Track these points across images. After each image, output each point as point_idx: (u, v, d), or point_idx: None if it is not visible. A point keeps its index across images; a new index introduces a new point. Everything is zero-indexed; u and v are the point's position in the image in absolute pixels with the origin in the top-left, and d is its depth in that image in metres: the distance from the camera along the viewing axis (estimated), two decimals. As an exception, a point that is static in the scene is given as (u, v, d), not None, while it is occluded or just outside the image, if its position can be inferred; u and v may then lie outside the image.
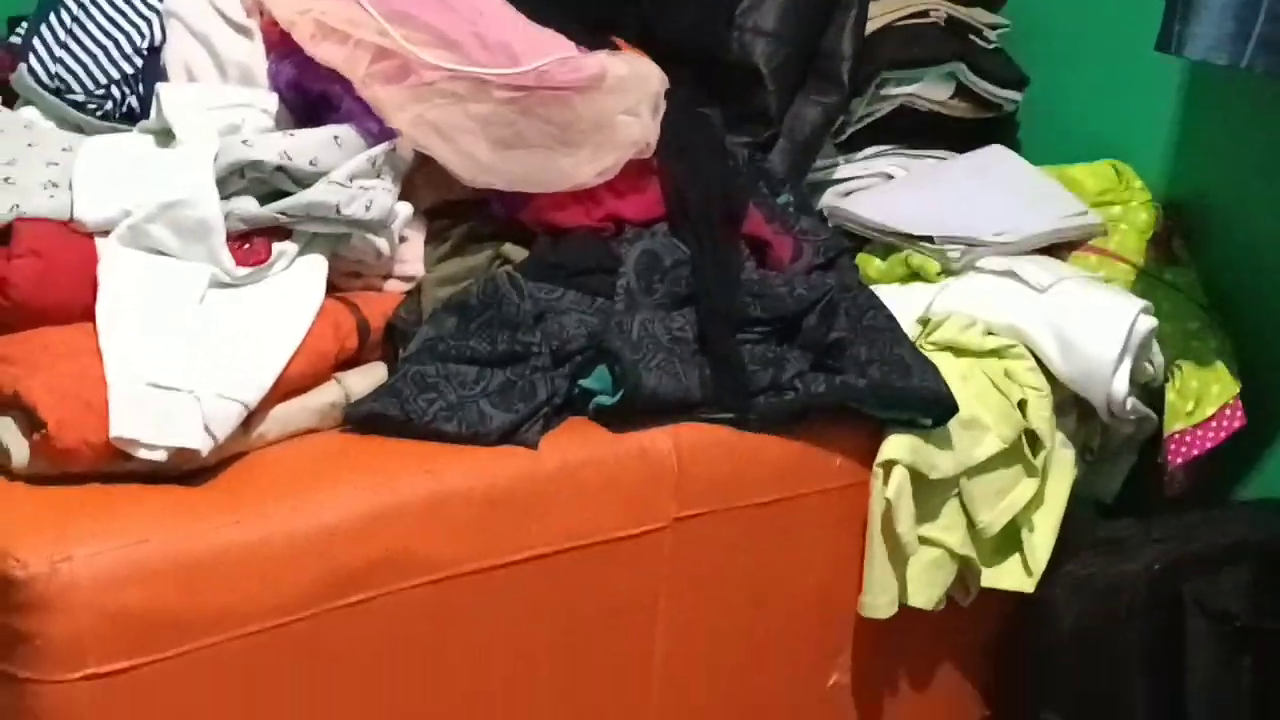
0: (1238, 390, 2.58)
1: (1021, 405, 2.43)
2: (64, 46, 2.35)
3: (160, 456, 1.92)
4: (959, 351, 2.46)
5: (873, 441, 2.32)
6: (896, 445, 2.30)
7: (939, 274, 2.59)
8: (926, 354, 2.39)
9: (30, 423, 1.91)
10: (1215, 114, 2.76)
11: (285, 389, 2.06)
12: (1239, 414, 2.57)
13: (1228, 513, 2.65)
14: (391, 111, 2.22)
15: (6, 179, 2.13)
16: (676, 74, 2.49)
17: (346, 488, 2.00)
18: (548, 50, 2.32)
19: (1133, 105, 2.85)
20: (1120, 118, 2.88)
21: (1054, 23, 2.95)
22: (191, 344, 2.02)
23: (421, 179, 2.31)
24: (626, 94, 2.35)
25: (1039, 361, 2.47)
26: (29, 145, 2.22)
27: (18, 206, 2.09)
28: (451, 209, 2.35)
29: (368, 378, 2.16)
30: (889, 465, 2.30)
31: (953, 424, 2.34)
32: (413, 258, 2.30)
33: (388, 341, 2.21)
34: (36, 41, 2.35)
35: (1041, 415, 2.43)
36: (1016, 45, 2.96)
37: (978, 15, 2.93)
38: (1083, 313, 2.48)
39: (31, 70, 2.33)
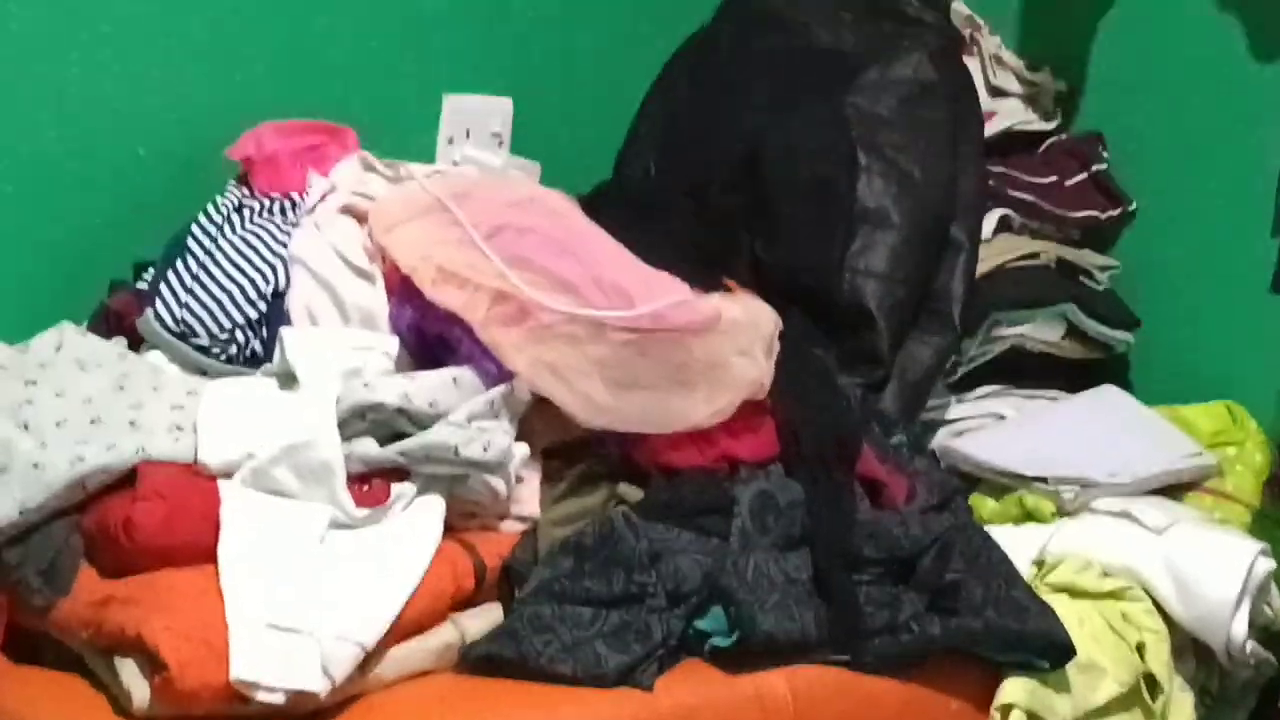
0: (1357, 632, 2.54)
1: (1139, 648, 2.39)
2: (190, 292, 2.39)
3: (279, 699, 1.92)
4: (1075, 593, 2.44)
5: (989, 685, 2.28)
6: (1014, 689, 2.27)
7: (1053, 515, 2.58)
8: (1042, 596, 2.36)
9: (152, 664, 1.92)
10: (1328, 354, 2.75)
11: (402, 630, 2.06)
12: (1359, 655, 2.53)
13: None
14: (510, 353, 2.25)
15: (132, 422, 2.17)
16: (788, 314, 2.51)
17: (463, 730, 1.99)
18: (663, 292, 2.35)
19: (1246, 346, 2.84)
20: (1233, 358, 2.86)
21: (1165, 264, 2.95)
22: (311, 585, 2.04)
23: (538, 420, 2.33)
24: (740, 335, 2.37)
25: (1156, 604, 2.44)
26: (154, 389, 2.25)
27: (143, 449, 2.12)
28: (567, 450, 2.36)
29: (484, 619, 2.16)
30: (1007, 709, 2.26)
31: (1070, 668, 2.30)
32: (529, 498, 2.31)
33: (504, 582, 2.22)
34: (163, 287, 2.40)
35: (1160, 659, 2.39)
36: (1128, 286, 2.96)
37: (1088, 257, 2.95)
38: (1200, 555, 2.45)
39: (158, 315, 2.36)
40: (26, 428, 2.14)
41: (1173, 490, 2.67)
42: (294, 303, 2.40)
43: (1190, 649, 2.47)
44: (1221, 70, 2.86)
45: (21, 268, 2.58)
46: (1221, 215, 2.87)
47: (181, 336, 2.36)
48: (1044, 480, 2.58)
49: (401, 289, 2.37)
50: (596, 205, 2.71)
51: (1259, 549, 2.43)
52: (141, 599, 1.99)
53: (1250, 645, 2.43)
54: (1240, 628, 2.41)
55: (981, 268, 2.82)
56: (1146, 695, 2.39)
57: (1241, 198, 2.79)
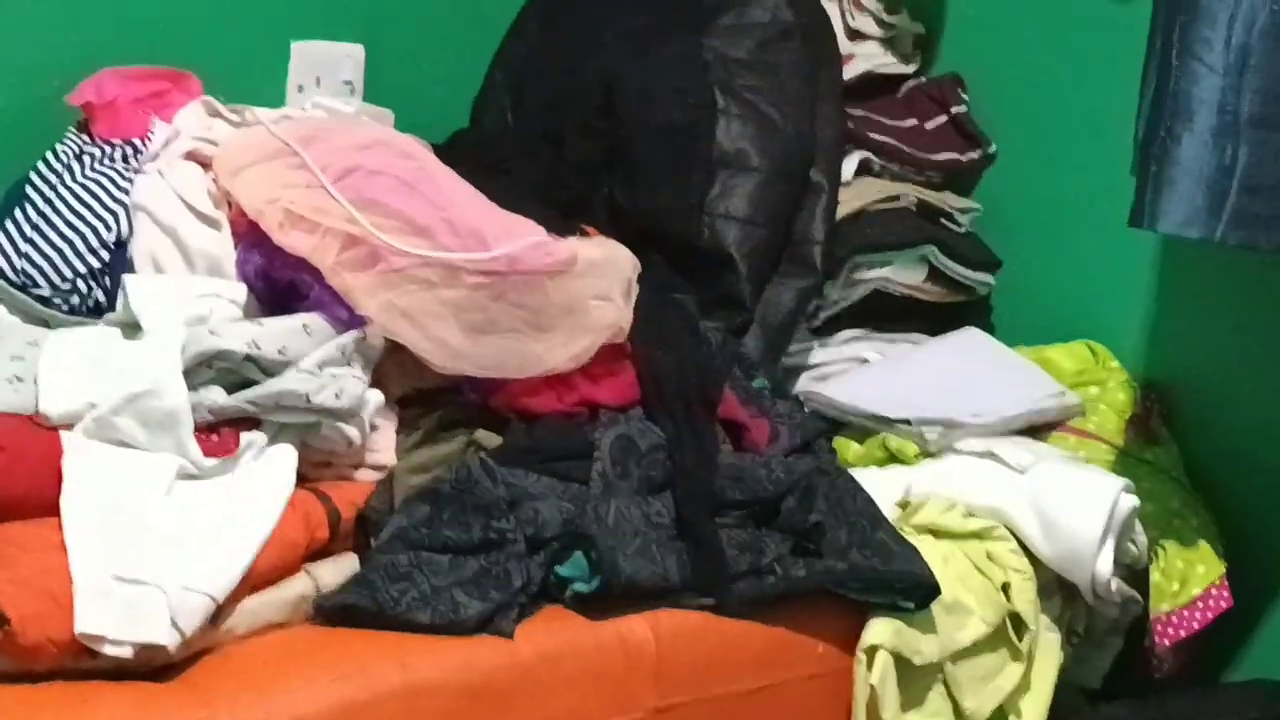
0: (1223, 570, 2.55)
1: (1005, 588, 2.39)
2: (29, 241, 2.34)
3: (126, 653, 1.88)
4: (940, 534, 2.43)
5: (855, 626, 2.28)
6: (879, 630, 2.26)
7: (917, 456, 2.58)
8: (907, 537, 2.36)
9: (-7, 619, 1.87)
10: (1190, 290, 2.75)
11: (255, 581, 2.02)
12: (1225, 594, 2.54)
13: (1220, 694, 2.60)
14: (361, 298, 2.21)
15: (-30, 374, 2.11)
16: (648, 258, 2.49)
17: (319, 682, 1.96)
18: (519, 235, 2.31)
19: (1106, 285, 2.85)
20: (1094, 297, 2.87)
21: (1024, 204, 2.96)
22: (158, 537, 1.99)
23: (392, 366, 2.30)
24: (599, 278, 2.34)
25: (1021, 543, 2.44)
26: (-7, 340, 2.20)
27: (-19, 401, 2.07)
28: (423, 397, 2.33)
29: (339, 568, 2.12)
30: (872, 651, 2.26)
31: (935, 608, 2.31)
32: (384, 446, 2.27)
33: (359, 531, 2.18)
34: (1, 237, 2.35)
35: (1025, 598, 2.39)
36: (988, 227, 2.97)
37: (948, 199, 2.95)
38: (1064, 493, 2.45)
39: (-4, 266, 2.31)
40: None
41: (1036, 430, 2.68)
42: (137, 250, 2.35)
43: (1056, 588, 2.48)
44: (1078, 9, 2.87)
45: None
46: (1080, 155, 2.89)
47: (22, 288, 2.31)
48: (907, 422, 2.58)
49: (249, 234, 2.32)
50: (452, 152, 2.68)
51: (1122, 485, 2.44)
52: (-20, 553, 1.94)
53: (1115, 583, 2.44)
54: (1105, 565, 2.41)
55: (842, 210, 2.81)
56: (1013, 635, 2.40)
57: (1099, 137, 2.80)
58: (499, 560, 2.12)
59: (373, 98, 2.89)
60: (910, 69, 3.09)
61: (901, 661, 2.28)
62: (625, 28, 2.90)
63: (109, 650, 1.87)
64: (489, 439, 2.28)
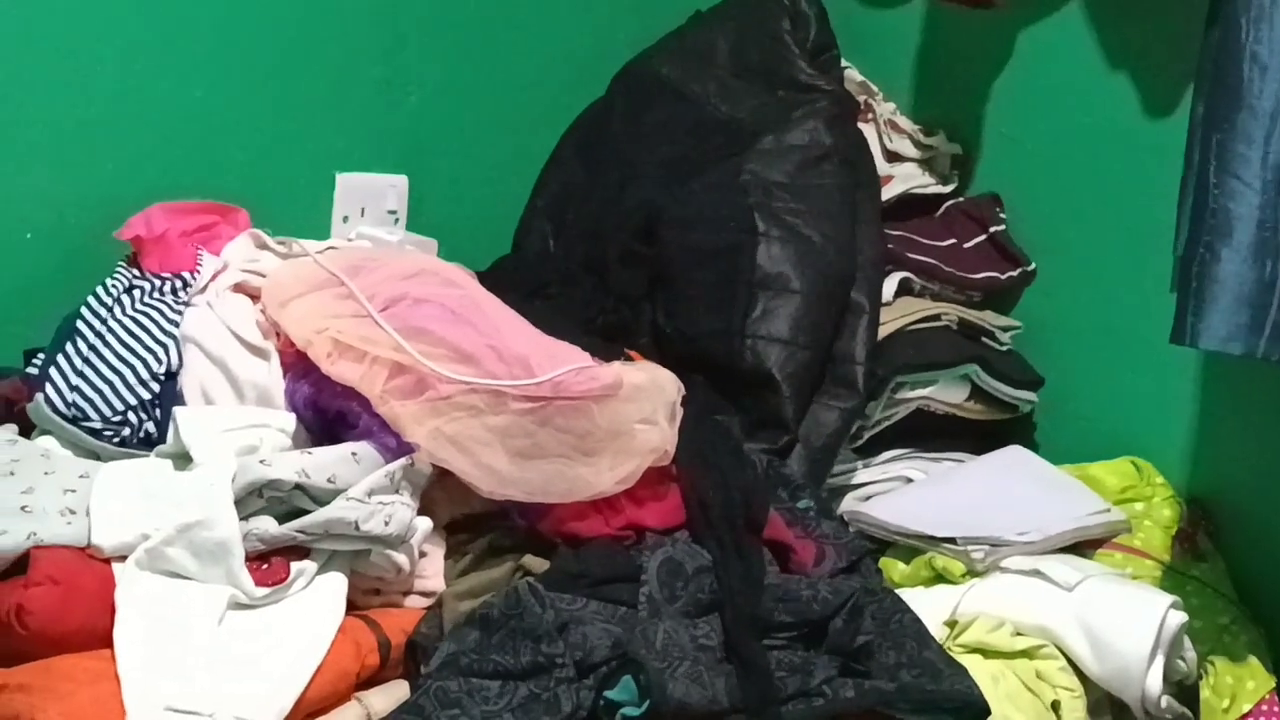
0: (1273, 684, 2.54)
1: (1055, 706, 2.38)
2: (80, 375, 2.36)
3: (180, 783, 1.88)
4: (988, 653, 2.43)
5: (904, 747, 2.27)
6: (930, 750, 2.26)
7: (964, 575, 2.57)
8: (955, 656, 2.35)
9: (47, 753, 1.88)
10: (1233, 406, 2.76)
11: (306, 710, 2.02)
12: (1276, 709, 2.53)
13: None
14: (409, 426, 2.23)
15: (24, 507, 2.12)
16: (691, 381, 2.50)
17: (370, 813, 1.96)
18: (563, 361, 2.33)
19: (1149, 401, 2.85)
20: (1137, 414, 2.88)
21: (1065, 322, 2.97)
22: (210, 667, 2.00)
23: (440, 493, 2.31)
24: (644, 402, 2.35)
25: (1070, 661, 2.43)
26: (45, 474, 2.21)
27: (35, 534, 2.08)
28: (471, 522, 2.34)
29: (390, 696, 2.12)
30: (923, 770, 2.25)
31: (986, 728, 2.30)
32: (433, 572, 2.28)
33: (409, 658, 2.18)
34: (53, 371, 2.37)
35: (1076, 716, 2.38)
36: (1029, 345, 2.97)
37: (989, 318, 2.96)
38: (1112, 610, 2.44)
39: (48, 399, 2.33)
40: (-85, 515, 2.10)
41: (1082, 547, 2.67)
42: (187, 382, 2.37)
43: (1106, 706, 2.46)
44: (1113, 128, 2.89)
45: (-95, 355, 2.53)
46: (1120, 272, 2.90)
47: (73, 420, 2.32)
48: (953, 541, 2.58)
49: (297, 365, 2.34)
50: (495, 279, 2.70)
51: (1170, 602, 2.43)
52: (36, 685, 1.94)
53: (1166, 700, 2.42)
54: (1155, 682, 2.40)
55: (883, 330, 2.82)
56: (1064, 753, 2.38)
57: (1138, 253, 2.82)
58: (548, 685, 2.11)
59: (416, 227, 2.93)
60: (948, 189, 3.11)
61: (952, 781, 2.27)
62: (664, 156, 2.93)
63: (162, 781, 1.88)
64: (537, 564, 2.28)
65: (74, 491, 2.17)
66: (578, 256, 2.96)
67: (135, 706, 1.92)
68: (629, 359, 2.54)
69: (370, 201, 2.92)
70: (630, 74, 3.13)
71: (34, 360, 2.48)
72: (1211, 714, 2.48)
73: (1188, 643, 2.46)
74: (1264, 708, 2.52)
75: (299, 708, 2.00)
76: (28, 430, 2.36)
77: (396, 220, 2.94)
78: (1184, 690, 2.49)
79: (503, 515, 2.32)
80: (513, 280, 2.77)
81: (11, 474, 2.19)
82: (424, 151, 3.00)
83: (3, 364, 2.53)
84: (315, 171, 2.89)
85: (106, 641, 2.01)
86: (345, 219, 2.89)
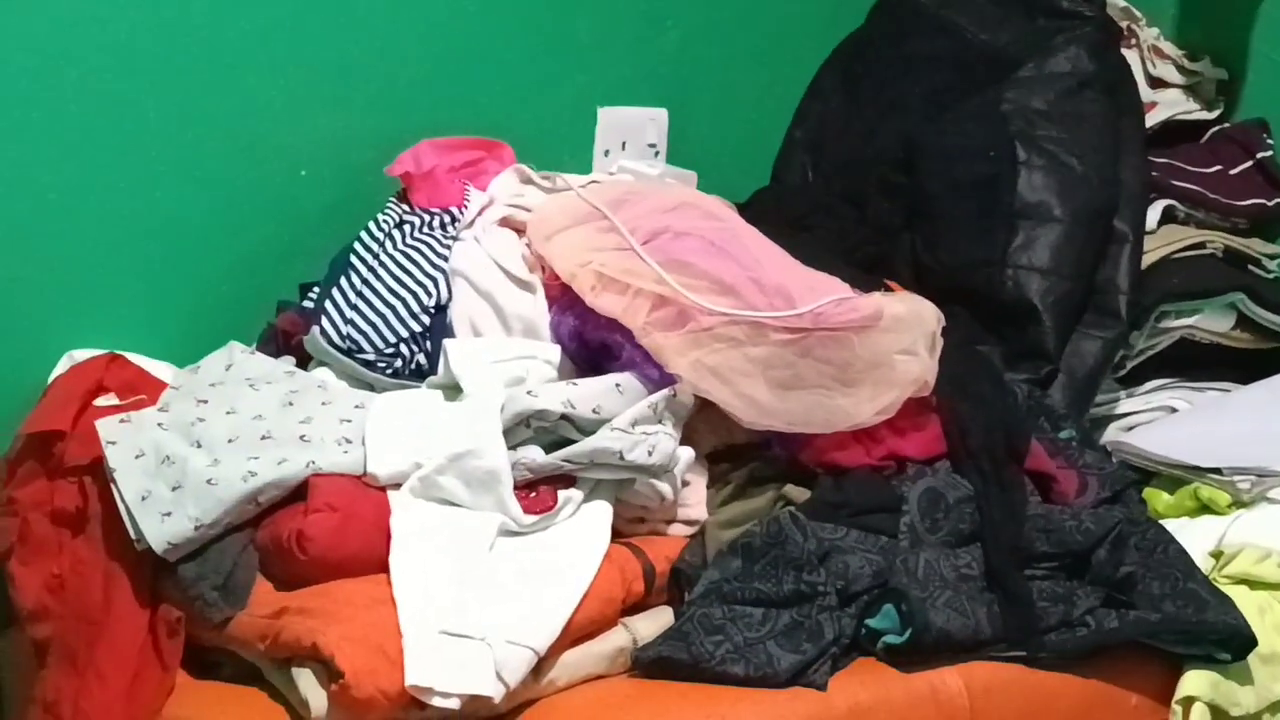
0: None
1: (1323, 638, 2.35)
2: (354, 308, 2.43)
3: (454, 704, 1.93)
4: (1254, 584, 2.39)
5: (1169, 679, 2.25)
6: (1196, 681, 2.23)
7: (1229, 506, 2.53)
8: (1221, 587, 2.33)
9: (328, 673, 1.95)
10: None
11: (574, 634, 2.07)
12: None
13: None
14: (671, 357, 2.25)
15: (303, 437, 2.20)
16: (952, 312, 2.50)
17: (638, 733, 2.00)
18: (823, 292, 2.34)
19: None
20: None
21: (1335, 247, 2.91)
22: (482, 592, 2.05)
23: (702, 423, 2.34)
24: (904, 333, 2.36)
25: (1338, 593, 2.40)
26: (323, 404, 2.28)
27: (314, 463, 2.15)
28: (733, 452, 2.37)
29: (655, 622, 2.16)
30: (1188, 702, 2.23)
31: (1252, 659, 2.27)
32: (696, 501, 2.31)
33: (673, 585, 2.22)
34: (328, 305, 2.44)
35: (1344, 648, 2.35)
36: (1298, 273, 2.92)
37: (1255, 245, 2.90)
38: (1381, 541, 2.40)
39: (324, 332, 2.40)
40: (199, 445, 2.18)
41: (1352, 478, 2.61)
42: (456, 315, 2.43)
43: (1374, 638, 2.41)
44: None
45: (191, 291, 2.63)
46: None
47: (348, 352, 2.39)
48: (1218, 471, 2.54)
49: (562, 297, 2.39)
50: (755, 211, 2.72)
51: None
52: (316, 609, 2.02)
53: None
54: None
55: (1147, 259, 2.78)
56: (1331, 686, 2.34)
57: None
58: (810, 613, 2.14)
59: (676, 160, 2.95)
60: (1213, 115, 3.05)
61: (1218, 714, 2.24)
62: (926, 86, 2.92)
63: (437, 702, 1.92)
64: (798, 493, 2.31)
65: (350, 421, 2.24)
66: (836, 188, 2.96)
67: (411, 630, 1.97)
68: (889, 290, 2.54)
69: (631, 135, 2.95)
70: (889, 4, 3.12)
71: (309, 294, 2.56)
72: None
73: None
74: None
75: (567, 632, 2.05)
76: (305, 362, 2.44)
77: (657, 154, 2.96)
78: None
79: (764, 445, 2.35)
80: (772, 212, 2.78)
81: (290, 404, 2.27)
82: (684, 85, 3.02)
83: (280, 298, 2.61)
84: (577, 106, 2.92)
85: (382, 567, 2.08)
86: (607, 153, 2.92)
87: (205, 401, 2.26)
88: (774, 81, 3.10)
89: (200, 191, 2.61)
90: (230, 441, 2.18)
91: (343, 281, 2.47)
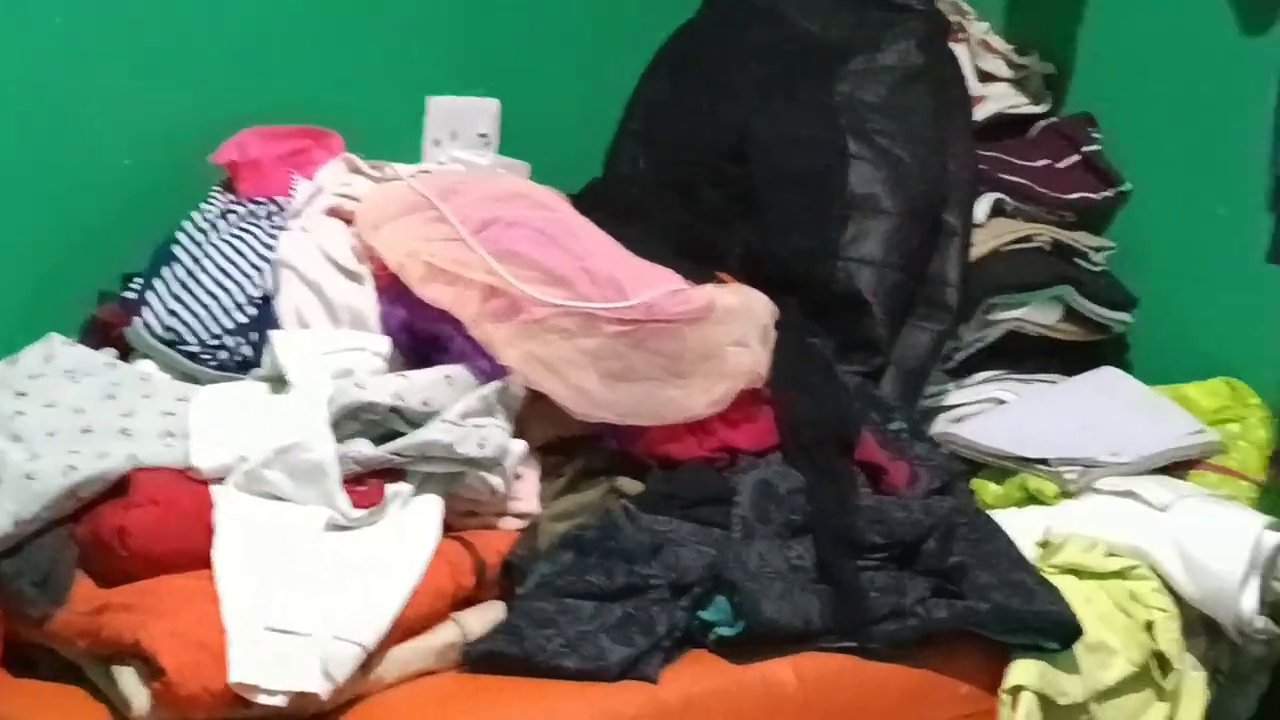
0: (1370, 606, 2.52)
1: (1149, 627, 2.38)
2: (177, 299, 2.39)
3: (279, 701, 1.91)
4: (1081, 574, 2.42)
5: (997, 668, 2.26)
6: (1023, 671, 2.25)
7: (1056, 497, 2.56)
8: (1048, 577, 2.35)
9: (150, 671, 1.91)
10: (1330, 326, 2.73)
11: (403, 630, 2.04)
12: (1372, 629, 2.51)
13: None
14: (502, 349, 2.24)
15: (124, 430, 2.16)
16: (783, 304, 2.51)
17: (466, 729, 1.98)
18: (655, 283, 2.34)
19: (1244, 321, 2.82)
20: (1232, 334, 2.85)
21: (1159, 242, 2.94)
22: (308, 587, 2.03)
23: (534, 415, 2.32)
24: (736, 324, 2.36)
25: (1164, 582, 2.42)
26: (145, 397, 2.25)
27: (135, 456, 2.12)
28: (565, 445, 2.36)
29: (485, 616, 2.14)
30: (1016, 691, 2.24)
31: (1079, 648, 2.29)
32: (528, 495, 2.30)
33: (505, 579, 2.20)
34: (150, 295, 2.40)
35: (1170, 637, 2.37)
36: (1123, 266, 2.95)
37: (1082, 239, 2.93)
38: (1206, 531, 2.43)
39: (146, 324, 2.36)
40: (18, 439, 2.13)
41: (1176, 468, 2.66)
42: (283, 306, 2.39)
43: (1201, 627, 2.45)
44: (1208, 44, 2.85)
45: (9, 282, 2.56)
46: (1214, 191, 2.86)
47: (170, 344, 2.35)
48: (1045, 462, 2.57)
49: (391, 288, 2.36)
50: (587, 202, 2.71)
51: (1265, 523, 2.42)
52: (138, 605, 1.98)
53: (1261, 621, 2.42)
54: (1250, 603, 2.40)
55: (976, 252, 2.81)
56: (1158, 674, 2.37)
57: (1234, 172, 2.79)
58: (643, 606, 2.13)
59: (508, 150, 2.92)
60: (1041, 109, 3.08)
61: (1046, 702, 2.26)
62: (756, 76, 2.92)
63: (262, 699, 1.90)
64: (630, 485, 2.30)
65: (172, 414, 2.21)
66: (668, 178, 2.95)
67: (235, 626, 1.94)
68: (721, 281, 2.54)
69: (462, 125, 2.92)
70: (723, -7, 3.12)
71: (131, 285, 2.50)
72: (1307, 636, 2.47)
73: (1283, 563, 2.45)
74: (1360, 629, 2.50)
75: (396, 628, 2.03)
76: (126, 355, 2.39)
77: (488, 144, 2.93)
78: (1278, 612, 2.48)
79: (597, 438, 2.34)
80: (604, 202, 2.77)
81: (111, 397, 2.23)
82: (516, 74, 2.99)
83: (102, 289, 2.56)
84: (407, 95, 2.89)
85: (206, 562, 2.04)
86: (437, 143, 2.89)
87: (24, 394, 2.21)
88: (607, 72, 3.09)
89: (15, 182, 2.55)
90: (49, 435, 2.14)
91: (165, 272, 2.42)
